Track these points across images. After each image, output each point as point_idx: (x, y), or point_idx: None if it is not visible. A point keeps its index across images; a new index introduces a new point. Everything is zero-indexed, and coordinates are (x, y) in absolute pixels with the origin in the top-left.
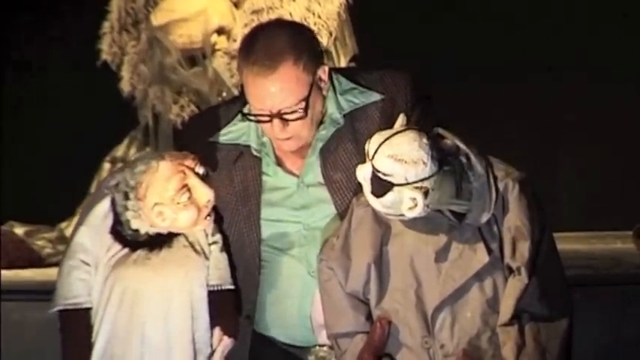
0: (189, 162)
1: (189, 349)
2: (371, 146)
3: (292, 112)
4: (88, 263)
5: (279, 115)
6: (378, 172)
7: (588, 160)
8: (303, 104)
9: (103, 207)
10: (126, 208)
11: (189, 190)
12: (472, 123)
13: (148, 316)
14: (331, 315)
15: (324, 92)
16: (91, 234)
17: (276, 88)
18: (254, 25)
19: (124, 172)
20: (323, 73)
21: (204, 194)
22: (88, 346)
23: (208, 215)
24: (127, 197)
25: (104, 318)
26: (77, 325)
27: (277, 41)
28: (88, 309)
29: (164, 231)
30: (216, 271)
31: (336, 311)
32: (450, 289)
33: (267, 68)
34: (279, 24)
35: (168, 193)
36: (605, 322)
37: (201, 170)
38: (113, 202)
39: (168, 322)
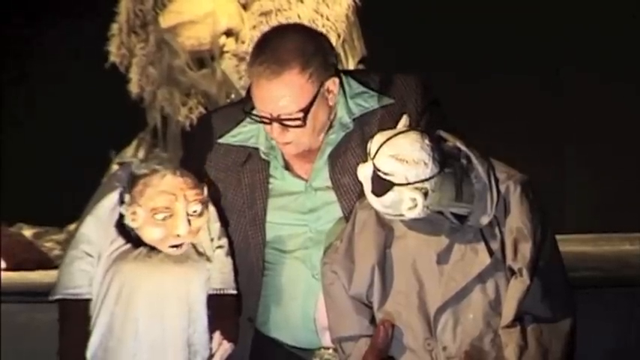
0: (190, 193)
1: (183, 350)
2: (373, 145)
3: (291, 120)
4: (91, 254)
5: (279, 120)
6: (379, 171)
7: (596, 162)
8: (302, 114)
9: (112, 199)
10: (123, 202)
11: (171, 214)
12: (479, 124)
13: (144, 314)
14: (335, 318)
15: (331, 103)
16: (96, 225)
17: (278, 94)
18: (274, 25)
19: (133, 164)
20: (332, 84)
21: (180, 227)
22: (85, 337)
23: (175, 246)
24: (126, 191)
25: (101, 311)
26: (76, 315)
27: (288, 46)
28: (88, 300)
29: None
30: (220, 275)
31: (340, 315)
32: (452, 291)
33: (272, 72)
34: (296, 29)
35: (152, 204)
36: (613, 324)
37: (195, 208)
38: (121, 196)
39: (164, 321)
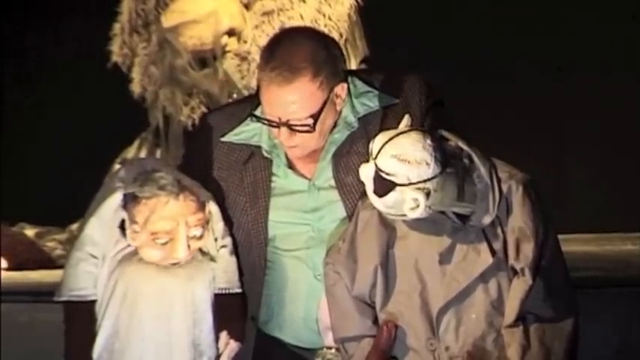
0: (192, 218)
1: (189, 351)
2: (375, 145)
3: (300, 125)
4: (95, 256)
5: (287, 125)
6: (381, 171)
7: (598, 162)
8: (311, 120)
9: (115, 200)
10: (126, 204)
11: (171, 238)
12: (481, 124)
13: (149, 316)
14: (338, 319)
15: (339, 108)
16: (101, 226)
17: (289, 100)
18: (284, 28)
19: (139, 181)
20: (341, 89)
21: (179, 252)
22: (91, 339)
23: (176, 263)
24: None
25: (106, 313)
26: (81, 317)
27: (300, 53)
28: (93, 301)
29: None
30: (225, 274)
31: (343, 315)
32: (455, 291)
33: (284, 79)
34: (308, 34)
35: (153, 228)
36: (615, 324)
37: (195, 232)
38: (124, 197)
39: (170, 323)
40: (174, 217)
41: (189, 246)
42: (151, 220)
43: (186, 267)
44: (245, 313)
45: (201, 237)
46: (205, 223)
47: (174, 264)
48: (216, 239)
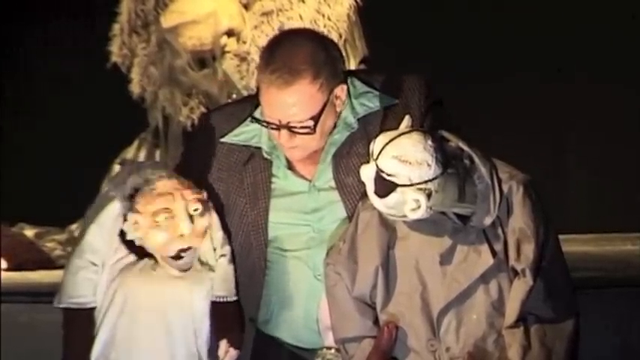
0: (187, 192)
1: None
2: (376, 146)
3: (300, 127)
4: (95, 263)
5: (287, 127)
6: (382, 172)
7: (598, 162)
8: (312, 122)
9: (115, 207)
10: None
11: (172, 215)
12: (481, 124)
13: (149, 326)
14: (338, 320)
15: (338, 109)
16: (101, 233)
17: (289, 102)
18: (283, 30)
19: (132, 177)
20: (341, 91)
21: (182, 226)
22: (90, 345)
23: (179, 257)
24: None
25: (105, 321)
26: (81, 323)
27: (299, 55)
28: (93, 308)
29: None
30: (223, 282)
31: (343, 316)
32: (455, 292)
33: (284, 81)
34: (308, 36)
35: (151, 208)
36: (615, 325)
37: (195, 206)
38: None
39: (169, 333)
40: (168, 191)
41: (192, 220)
42: (146, 200)
43: (186, 278)
44: (243, 321)
45: (202, 214)
46: (204, 201)
47: (180, 257)
48: (215, 249)
